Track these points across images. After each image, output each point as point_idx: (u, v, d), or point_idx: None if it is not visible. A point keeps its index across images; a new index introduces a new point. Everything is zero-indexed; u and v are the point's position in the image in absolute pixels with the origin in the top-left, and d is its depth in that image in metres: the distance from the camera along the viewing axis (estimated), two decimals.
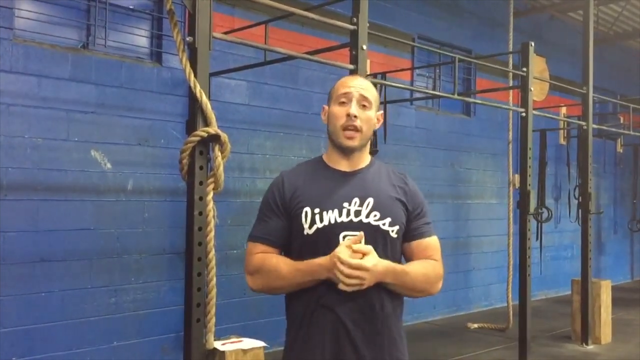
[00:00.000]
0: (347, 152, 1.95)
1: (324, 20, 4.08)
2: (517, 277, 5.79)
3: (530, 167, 5.73)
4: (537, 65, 8.10)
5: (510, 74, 6.82)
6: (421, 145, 7.48)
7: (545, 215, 8.61)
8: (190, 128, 3.03)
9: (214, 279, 3.04)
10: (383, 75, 6.04)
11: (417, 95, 6.82)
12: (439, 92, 6.12)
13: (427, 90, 6.67)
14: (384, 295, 1.89)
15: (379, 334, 1.88)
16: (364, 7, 4.07)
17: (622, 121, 9.84)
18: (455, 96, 5.27)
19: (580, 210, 6.92)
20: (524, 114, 5.63)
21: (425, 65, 7.44)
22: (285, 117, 6.14)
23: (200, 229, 3.01)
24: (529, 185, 5.73)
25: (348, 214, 1.87)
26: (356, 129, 1.91)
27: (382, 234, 1.89)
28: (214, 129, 3.05)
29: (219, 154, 3.09)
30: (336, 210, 1.87)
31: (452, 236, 7.88)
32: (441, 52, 5.91)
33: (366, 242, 1.80)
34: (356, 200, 1.89)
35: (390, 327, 1.92)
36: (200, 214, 3.01)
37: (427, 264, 1.96)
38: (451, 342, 6.30)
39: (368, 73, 4.47)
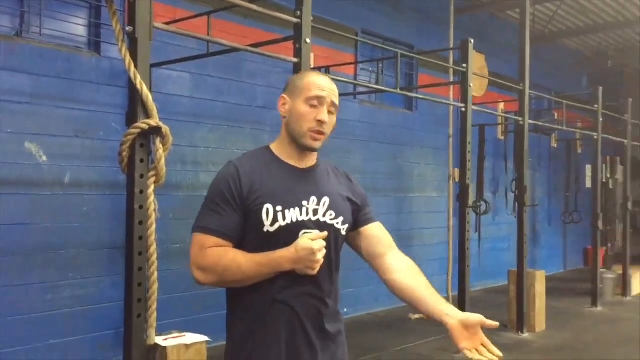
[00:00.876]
0: (306, 151, 1.96)
1: (267, 13, 4.07)
2: (457, 269, 5.95)
3: (469, 161, 5.89)
4: (477, 62, 8.30)
5: (451, 70, 6.96)
6: (364, 139, 7.56)
7: (483, 208, 8.87)
8: (131, 120, 2.97)
9: (155, 273, 3.00)
10: (327, 69, 6.08)
11: (361, 89, 6.88)
12: (382, 86, 6.20)
13: (370, 85, 6.73)
14: (334, 289, 1.94)
15: (333, 330, 1.93)
16: (307, 1, 4.07)
17: (556, 117, 10.20)
18: (398, 91, 5.34)
19: (516, 203, 7.13)
20: (463, 109, 5.77)
21: (368, 59, 7.52)
22: (229, 110, 6.08)
23: (141, 222, 2.96)
24: (469, 178, 5.89)
25: (307, 213, 1.89)
26: (322, 134, 1.93)
27: (335, 233, 1.94)
28: (155, 121, 3.00)
29: (161, 146, 3.04)
30: (297, 209, 1.88)
31: (395, 229, 8.00)
32: (384, 47, 5.99)
33: (325, 240, 1.86)
34: (314, 199, 1.91)
35: (339, 321, 1.98)
36: (141, 207, 2.96)
37: (413, 271, 2.06)
38: (393, 333, 6.42)
39: (312, 67, 4.49)
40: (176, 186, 5.57)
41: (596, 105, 8.37)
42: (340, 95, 6.02)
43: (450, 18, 7.80)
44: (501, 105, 9.35)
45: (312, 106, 1.91)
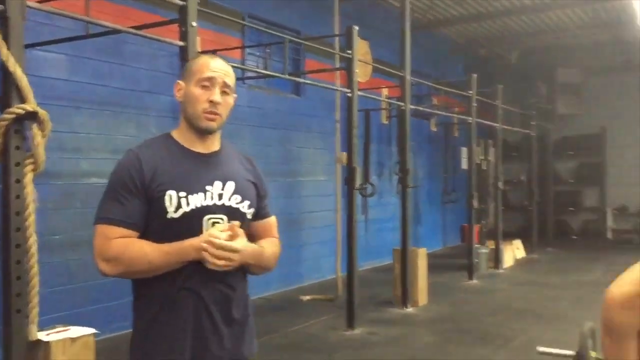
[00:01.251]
0: (204, 134, 1.94)
1: None
2: (345, 250, 6.15)
3: (356, 145, 6.08)
4: (361, 48, 8.52)
5: (337, 56, 7.10)
6: (253, 124, 7.55)
7: (369, 190, 9.19)
8: (4, 105, 2.80)
9: (36, 266, 2.87)
10: (213, 53, 5.99)
11: (249, 74, 6.86)
12: (269, 71, 6.22)
13: (258, 70, 6.73)
14: (240, 276, 1.96)
15: (239, 316, 1.94)
16: None
17: (435, 102, 10.75)
18: (286, 76, 5.40)
19: (400, 185, 7.45)
20: (349, 95, 5.93)
21: (255, 44, 7.50)
22: (111, 94, 5.84)
23: (18, 213, 2.81)
24: (355, 162, 6.09)
25: (212, 198, 1.89)
26: (216, 114, 1.91)
27: (242, 216, 1.94)
28: (31, 105, 2.85)
29: (38, 132, 2.90)
30: (201, 194, 1.87)
31: (285, 213, 8.10)
32: (271, 32, 6.01)
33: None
34: (218, 183, 1.91)
35: (247, 307, 2.00)
36: (18, 197, 2.81)
37: (274, 243, 2.07)
38: (285, 315, 6.53)
39: (198, 50, 4.42)
40: (55, 174, 5.28)
41: (470, 92, 8.90)
42: None
43: (335, 4, 7.95)
44: (385, 91, 9.68)
45: (204, 87, 1.90)
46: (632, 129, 13.36)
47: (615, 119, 13.51)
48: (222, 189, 1.91)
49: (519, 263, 10.49)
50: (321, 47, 6.59)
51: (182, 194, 1.84)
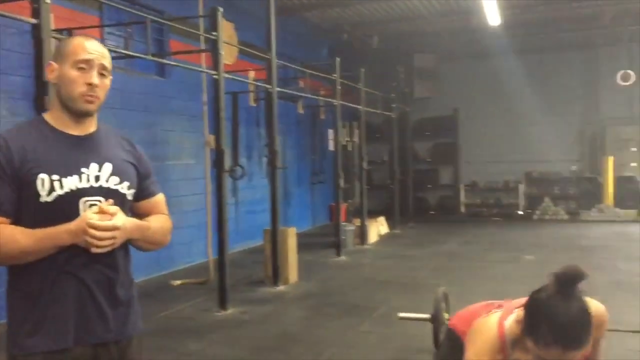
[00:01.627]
0: (82, 116, 1.90)
1: None
2: (216, 233, 6.16)
3: (223, 127, 6.09)
4: (226, 30, 8.48)
5: (202, 38, 7.01)
6: (115, 107, 7.25)
7: (239, 172, 9.23)
8: None
9: None
10: (69, 31, 5.68)
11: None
12: (131, 52, 6.01)
13: (119, 50, 6.47)
14: (123, 256, 1.94)
15: (124, 297, 1.94)
16: None
17: (302, 85, 10.94)
18: (149, 57, 5.27)
19: (269, 166, 7.56)
20: (216, 77, 5.91)
21: (115, 23, 7.19)
22: None
23: None
24: (224, 145, 6.09)
25: (88, 180, 1.86)
26: (94, 97, 1.88)
27: (121, 197, 1.92)
28: None
29: None
30: (75, 177, 1.84)
31: None
32: (132, 10, 5.81)
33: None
34: (94, 165, 1.88)
35: (132, 287, 1.99)
36: None
37: (161, 218, 2.08)
38: (156, 301, 6.42)
39: (53, 28, 4.19)
40: None
41: (334, 75, 9.19)
42: None
43: None
44: (252, 74, 9.70)
45: (81, 69, 1.86)
46: (481, 111, 14.54)
47: (466, 101, 14.60)
48: (99, 171, 1.88)
49: (383, 238, 11.07)
50: (186, 28, 6.47)
51: (55, 177, 1.80)
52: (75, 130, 1.90)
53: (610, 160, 12.99)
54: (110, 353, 1.91)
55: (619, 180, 13.22)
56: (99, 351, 1.89)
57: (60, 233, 1.76)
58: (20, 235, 1.76)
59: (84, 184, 1.84)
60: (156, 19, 5.86)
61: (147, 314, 5.78)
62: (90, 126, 1.94)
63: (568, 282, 1.82)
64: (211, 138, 7.02)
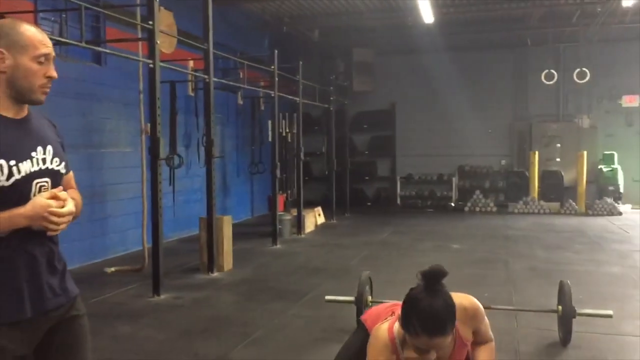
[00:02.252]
0: (32, 104, 2.03)
1: None
2: (151, 220, 6.24)
3: (159, 115, 6.16)
4: (165, 19, 8.49)
5: (139, 26, 7.03)
6: (50, 94, 7.19)
7: (177, 161, 9.26)
8: None
9: None
10: (1, 16, 5.63)
11: None
12: (66, 38, 5.98)
13: (52, 37, 6.40)
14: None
15: (60, 266, 2.11)
16: None
17: (241, 76, 11.03)
18: (83, 44, 5.29)
19: (205, 156, 7.64)
20: (152, 66, 5.97)
21: (49, 9, 7.11)
22: None
23: None
24: (159, 132, 6.16)
25: (37, 163, 1.99)
26: (49, 88, 2.03)
27: (60, 176, 2.11)
28: None
29: None
30: (28, 161, 1.96)
31: (88, 185, 7.88)
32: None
33: (53, 185, 2.03)
34: (40, 148, 2.02)
35: (63, 258, 2.15)
36: None
37: (77, 192, 2.24)
38: (90, 287, 6.42)
39: None
40: None
41: (273, 67, 9.34)
42: None
43: None
44: (191, 63, 9.74)
45: (40, 63, 1.98)
46: (418, 106, 15.00)
47: (403, 96, 15.03)
48: (44, 154, 2.03)
49: (319, 228, 11.34)
50: (121, 17, 6.48)
51: (12, 162, 1.91)
52: (14, 114, 1.99)
53: (536, 155, 13.67)
54: (62, 315, 2.08)
55: (544, 175, 13.94)
56: (52, 315, 2.04)
57: (17, 217, 1.89)
58: None
59: (35, 167, 1.98)
60: (91, 6, 5.85)
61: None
62: (25, 110, 2.05)
63: (432, 279, 2.11)
64: (148, 126, 7.06)
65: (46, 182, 2.00)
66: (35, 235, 1.97)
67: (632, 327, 4.96)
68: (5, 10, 5.85)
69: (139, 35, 7.17)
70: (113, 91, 8.37)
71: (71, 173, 2.27)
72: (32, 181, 1.96)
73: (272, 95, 9.52)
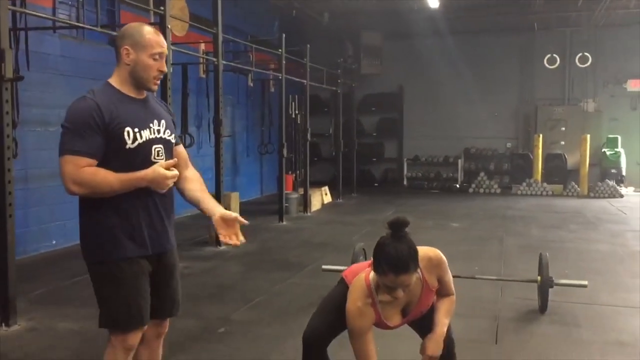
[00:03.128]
0: (148, 91, 2.62)
1: None
2: None
3: (170, 96, 6.51)
4: (178, 3, 8.85)
5: (152, 12, 7.36)
6: (67, 74, 7.59)
7: (188, 141, 9.64)
8: None
9: None
10: (22, 1, 6.00)
11: (60, 24, 6.89)
12: (82, 22, 6.33)
13: (70, 22, 6.78)
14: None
15: (171, 219, 2.68)
16: None
17: (252, 59, 11.36)
18: (99, 29, 5.65)
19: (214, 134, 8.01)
20: None
21: None
22: None
23: None
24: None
25: (154, 132, 2.55)
26: (160, 79, 2.60)
27: (171, 145, 2.66)
28: None
29: None
30: (147, 130, 2.53)
31: None
32: None
33: (166, 150, 2.60)
34: (155, 121, 2.58)
35: (174, 211, 2.73)
36: None
37: (193, 170, 2.83)
38: None
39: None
40: None
41: (280, 50, 9.65)
42: (38, 28, 6.12)
43: None
44: (202, 46, 10.07)
45: (155, 59, 2.52)
46: (425, 88, 15.25)
47: (411, 79, 15.28)
48: (159, 125, 2.59)
49: (325, 207, 11.71)
50: (135, 4, 6.82)
51: (136, 129, 2.49)
52: (136, 95, 2.57)
53: (540, 138, 13.90)
54: (167, 259, 2.64)
55: (548, 157, 14.18)
56: (161, 257, 2.62)
57: (139, 179, 2.43)
58: (111, 177, 2.41)
59: (153, 135, 2.54)
60: None
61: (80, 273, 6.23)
62: (144, 93, 2.61)
63: (396, 228, 2.47)
64: None
65: (161, 147, 2.56)
66: (151, 193, 2.50)
67: (608, 297, 5.31)
68: None
69: (151, 21, 7.50)
70: None
71: (185, 152, 2.80)
72: (151, 146, 2.52)
73: (280, 77, 9.84)
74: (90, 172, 2.39)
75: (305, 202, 10.75)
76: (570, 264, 6.55)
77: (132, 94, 2.55)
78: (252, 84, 12.66)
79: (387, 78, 15.11)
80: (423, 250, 2.61)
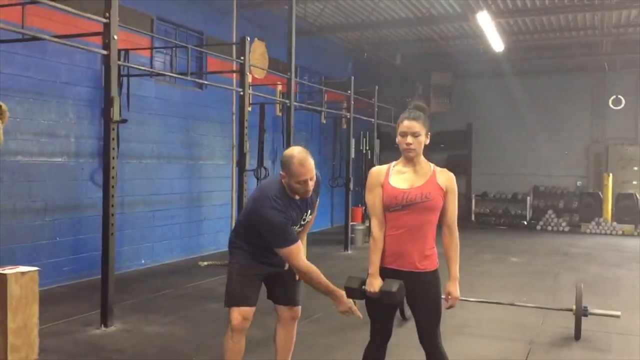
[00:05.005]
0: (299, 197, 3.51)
1: (75, 13, 5.06)
2: None
3: (247, 134, 7.38)
4: (258, 49, 9.82)
5: (234, 63, 8.33)
6: (160, 114, 8.67)
7: (263, 173, 10.51)
8: None
9: None
10: (126, 52, 7.08)
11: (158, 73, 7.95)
12: (175, 70, 7.32)
13: (165, 73, 7.81)
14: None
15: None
16: (115, 5, 5.15)
17: (323, 99, 12.20)
18: (189, 78, 6.60)
19: None
20: (242, 93, 7.22)
21: (163, 47, 8.57)
22: (35, 84, 6.78)
23: None
24: (247, 149, 7.38)
25: (301, 223, 3.58)
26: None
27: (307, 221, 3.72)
28: None
29: None
30: (298, 225, 3.57)
31: (187, 192, 9.31)
32: (176, 42, 7.14)
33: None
34: (305, 214, 3.58)
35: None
36: None
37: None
38: (187, 275, 7.75)
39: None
40: None
41: (349, 91, 10.43)
42: (137, 76, 7.16)
43: (233, 9, 9.19)
44: (279, 87, 11.00)
45: (299, 184, 3.35)
46: (493, 126, 15.59)
47: (479, 117, 15.67)
48: (304, 216, 3.56)
49: None
50: (220, 55, 7.77)
51: (294, 227, 3.45)
52: (296, 197, 3.45)
53: (610, 177, 13.87)
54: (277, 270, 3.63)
55: (619, 197, 14.09)
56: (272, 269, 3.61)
57: (336, 292, 3.45)
58: (323, 280, 3.48)
59: (299, 224, 3.53)
60: (196, 47, 7.15)
61: (176, 284, 7.14)
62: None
63: (412, 106, 3.22)
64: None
65: (301, 229, 3.60)
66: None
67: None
68: (130, 46, 7.30)
69: (234, 68, 8.46)
70: (211, 112, 9.77)
71: (312, 217, 3.70)
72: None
73: (348, 116, 10.59)
74: (311, 267, 3.45)
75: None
76: (619, 299, 6.79)
77: (294, 196, 3.42)
78: (324, 121, 13.50)
79: (455, 116, 15.58)
80: (445, 168, 3.32)
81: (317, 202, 3.67)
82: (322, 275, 3.41)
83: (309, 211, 3.55)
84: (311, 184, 3.37)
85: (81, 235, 7.38)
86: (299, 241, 3.42)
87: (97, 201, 7.40)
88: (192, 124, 9.42)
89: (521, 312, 5.96)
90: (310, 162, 3.34)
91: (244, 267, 3.58)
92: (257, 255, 3.56)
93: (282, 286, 3.66)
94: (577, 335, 5.15)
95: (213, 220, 9.97)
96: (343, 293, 3.36)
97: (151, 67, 8.11)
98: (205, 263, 8.69)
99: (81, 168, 7.44)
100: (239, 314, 3.56)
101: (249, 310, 3.58)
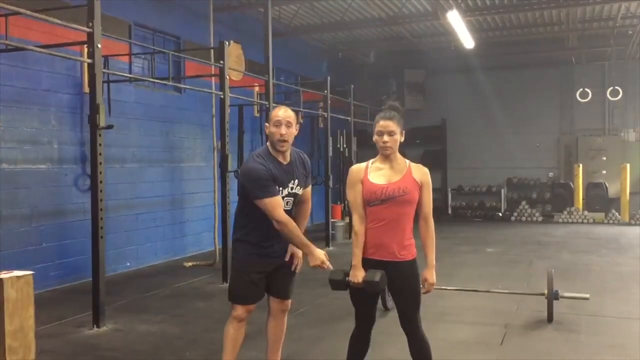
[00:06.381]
0: (280, 151, 3.55)
1: (61, 23, 5.19)
2: (221, 225, 7.62)
3: (228, 136, 7.55)
4: (235, 50, 9.95)
5: (212, 67, 8.50)
6: (140, 118, 8.80)
7: None
8: None
9: None
10: (106, 58, 7.19)
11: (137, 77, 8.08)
12: (154, 75, 7.48)
13: (146, 78, 7.95)
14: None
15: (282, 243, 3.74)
16: (97, 14, 5.29)
17: (302, 98, 12.40)
18: (169, 82, 6.75)
19: None
20: (222, 96, 7.40)
21: (142, 52, 8.68)
22: (16, 92, 6.87)
23: None
24: (228, 150, 7.56)
25: (288, 189, 3.60)
26: (285, 141, 3.50)
27: (299, 195, 3.71)
28: None
29: None
30: (286, 189, 3.58)
31: (169, 194, 9.44)
32: (154, 47, 7.28)
33: (294, 201, 3.71)
34: (292, 181, 3.61)
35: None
36: None
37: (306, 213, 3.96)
38: (173, 276, 7.91)
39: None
40: None
41: (325, 91, 10.65)
42: (117, 82, 7.30)
43: (210, 14, 9.35)
44: (256, 89, 11.18)
45: (276, 126, 3.49)
46: (467, 121, 15.95)
47: (453, 113, 16.02)
48: (293, 184, 3.61)
49: None
50: (199, 59, 7.92)
51: (280, 189, 3.53)
52: (282, 160, 3.56)
53: (580, 168, 14.32)
54: (277, 265, 3.77)
55: (589, 187, 14.56)
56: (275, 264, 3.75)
57: (308, 246, 3.59)
58: (297, 232, 3.56)
59: (288, 191, 3.59)
60: (174, 52, 7.30)
61: (162, 285, 7.28)
62: (287, 157, 3.58)
63: (387, 106, 3.42)
64: (219, 144, 8.49)
65: (291, 199, 3.62)
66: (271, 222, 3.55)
67: (612, 310, 5.93)
68: (110, 53, 7.40)
69: (212, 72, 8.62)
70: (190, 115, 9.91)
71: (309, 191, 3.77)
72: (284, 199, 3.57)
73: (325, 115, 10.81)
74: (287, 218, 3.51)
75: (350, 230, 11.53)
76: (589, 283, 7.13)
77: (279, 159, 3.54)
78: (302, 121, 13.70)
79: (430, 112, 15.91)
80: (418, 163, 3.55)
81: (310, 186, 3.78)
82: (299, 229, 3.58)
83: (296, 181, 3.61)
84: (286, 130, 3.47)
85: (67, 240, 7.50)
86: (279, 197, 3.50)
87: (81, 206, 7.60)
88: (172, 127, 9.55)
89: (497, 298, 6.25)
90: (288, 110, 3.58)
91: (243, 264, 3.73)
92: (256, 246, 3.67)
93: (277, 280, 3.84)
94: (550, 318, 5.45)
95: (196, 222, 10.11)
96: (316, 248, 3.61)
97: (130, 73, 8.24)
98: (191, 264, 8.84)
99: (65, 174, 7.55)
100: (241, 308, 3.78)
101: (250, 306, 3.79)
